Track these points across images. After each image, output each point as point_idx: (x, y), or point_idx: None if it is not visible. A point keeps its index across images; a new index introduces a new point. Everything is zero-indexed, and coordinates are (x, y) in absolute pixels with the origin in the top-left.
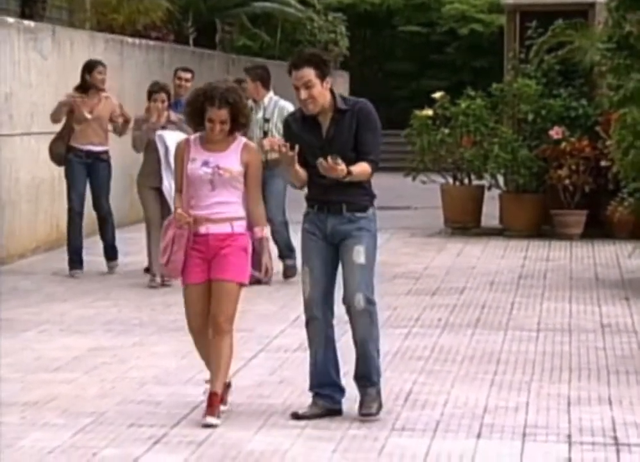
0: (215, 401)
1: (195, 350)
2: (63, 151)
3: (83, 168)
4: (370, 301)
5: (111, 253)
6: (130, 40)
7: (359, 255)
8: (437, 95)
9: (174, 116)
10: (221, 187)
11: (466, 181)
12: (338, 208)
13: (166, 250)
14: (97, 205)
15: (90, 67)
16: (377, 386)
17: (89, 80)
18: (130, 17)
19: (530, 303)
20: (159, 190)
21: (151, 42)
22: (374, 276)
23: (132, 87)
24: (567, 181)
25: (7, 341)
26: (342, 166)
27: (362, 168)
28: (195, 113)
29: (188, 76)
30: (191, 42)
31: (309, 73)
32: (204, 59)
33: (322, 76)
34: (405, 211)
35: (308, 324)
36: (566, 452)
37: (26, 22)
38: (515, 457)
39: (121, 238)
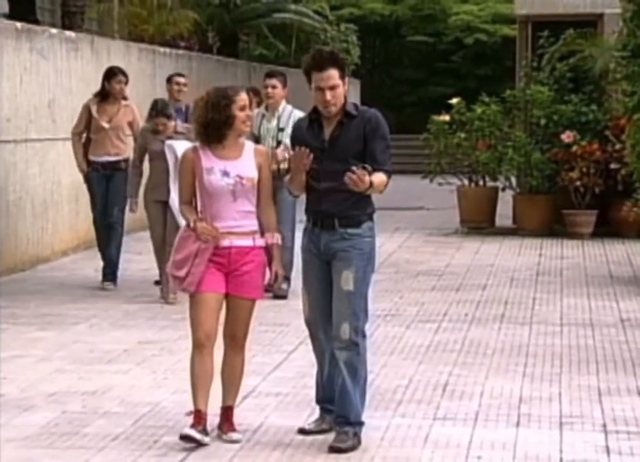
0: (231, 415)
1: (193, 372)
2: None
3: (102, 180)
4: (357, 332)
5: (109, 271)
6: (162, 49)
7: (347, 281)
8: (454, 101)
9: (180, 127)
10: (242, 196)
11: (481, 182)
12: (330, 223)
13: (185, 263)
14: (108, 213)
15: (109, 74)
16: (355, 428)
17: (107, 88)
18: (160, 28)
19: (551, 299)
20: (165, 204)
21: (180, 51)
22: (366, 303)
23: (163, 93)
24: (578, 183)
25: (60, 335)
26: (367, 177)
27: (380, 179)
28: (218, 119)
29: (185, 80)
30: (215, 51)
31: (335, 74)
32: (228, 67)
33: (343, 77)
34: (418, 211)
35: (312, 339)
36: (603, 440)
37: (67, 32)
38: (555, 445)
39: None
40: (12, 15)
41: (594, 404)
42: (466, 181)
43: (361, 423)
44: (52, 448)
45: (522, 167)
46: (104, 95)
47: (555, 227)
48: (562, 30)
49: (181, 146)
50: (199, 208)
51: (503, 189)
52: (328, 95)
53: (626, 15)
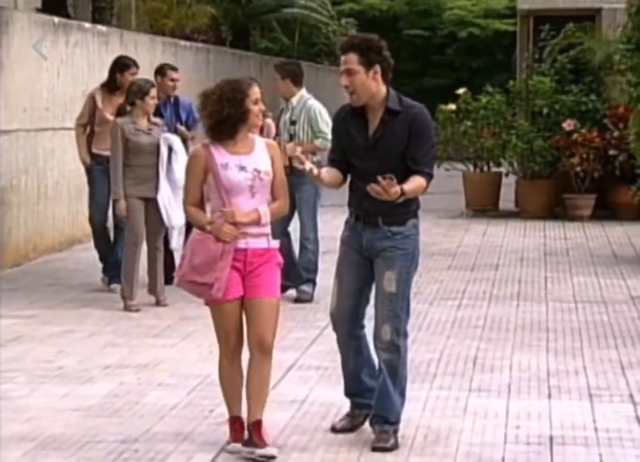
0: (263, 429)
1: (225, 382)
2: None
3: (105, 177)
4: (399, 333)
5: (115, 272)
6: (182, 42)
7: (390, 282)
8: (461, 91)
9: (154, 118)
10: (260, 193)
11: (486, 168)
12: (373, 220)
13: (210, 267)
14: (115, 215)
15: (122, 66)
16: (395, 426)
17: (119, 80)
18: (180, 22)
19: (561, 278)
20: (147, 201)
21: (199, 45)
22: (408, 303)
23: (184, 83)
24: (578, 169)
25: (105, 312)
26: (396, 188)
27: (417, 184)
28: (235, 114)
29: (178, 75)
30: (227, 44)
31: (352, 59)
32: (242, 59)
33: (367, 63)
34: (422, 195)
35: (336, 332)
36: (632, 411)
37: (99, 26)
38: (588, 415)
39: None
40: (44, 10)
41: (618, 377)
42: (471, 167)
43: (398, 421)
44: (115, 417)
45: (525, 154)
46: (114, 88)
47: (555, 210)
48: (562, 24)
49: (177, 141)
50: (208, 209)
51: (507, 174)
52: (343, 80)
53: (631, 9)
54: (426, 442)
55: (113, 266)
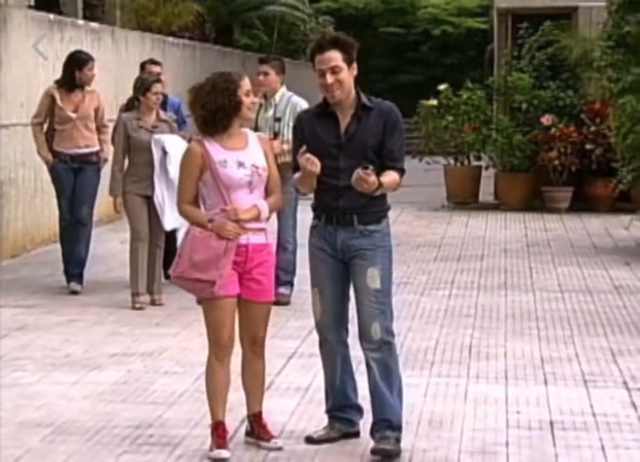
0: (263, 421)
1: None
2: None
3: (70, 174)
4: (388, 331)
5: (76, 271)
6: (170, 39)
7: (374, 279)
8: (442, 87)
9: (163, 114)
10: (258, 188)
11: (466, 162)
12: (348, 219)
13: (212, 264)
14: (77, 211)
15: (80, 62)
16: (396, 433)
17: (78, 77)
18: (166, 20)
19: (546, 268)
20: (148, 199)
21: (186, 41)
22: (392, 302)
23: (171, 79)
24: (556, 162)
25: (106, 301)
26: (373, 178)
27: (392, 178)
28: (228, 105)
29: (160, 69)
30: (212, 41)
31: (336, 56)
32: (225, 56)
33: (349, 61)
34: (400, 188)
35: (321, 345)
36: (627, 396)
37: (92, 24)
38: (585, 401)
39: None
40: (37, 7)
41: (610, 364)
42: (452, 161)
43: (400, 428)
44: (127, 403)
45: (505, 148)
46: (72, 85)
47: (534, 202)
48: (540, 22)
49: (170, 141)
50: (205, 207)
51: (487, 168)
52: (329, 78)
53: (612, 7)
54: (430, 427)
55: (77, 265)
